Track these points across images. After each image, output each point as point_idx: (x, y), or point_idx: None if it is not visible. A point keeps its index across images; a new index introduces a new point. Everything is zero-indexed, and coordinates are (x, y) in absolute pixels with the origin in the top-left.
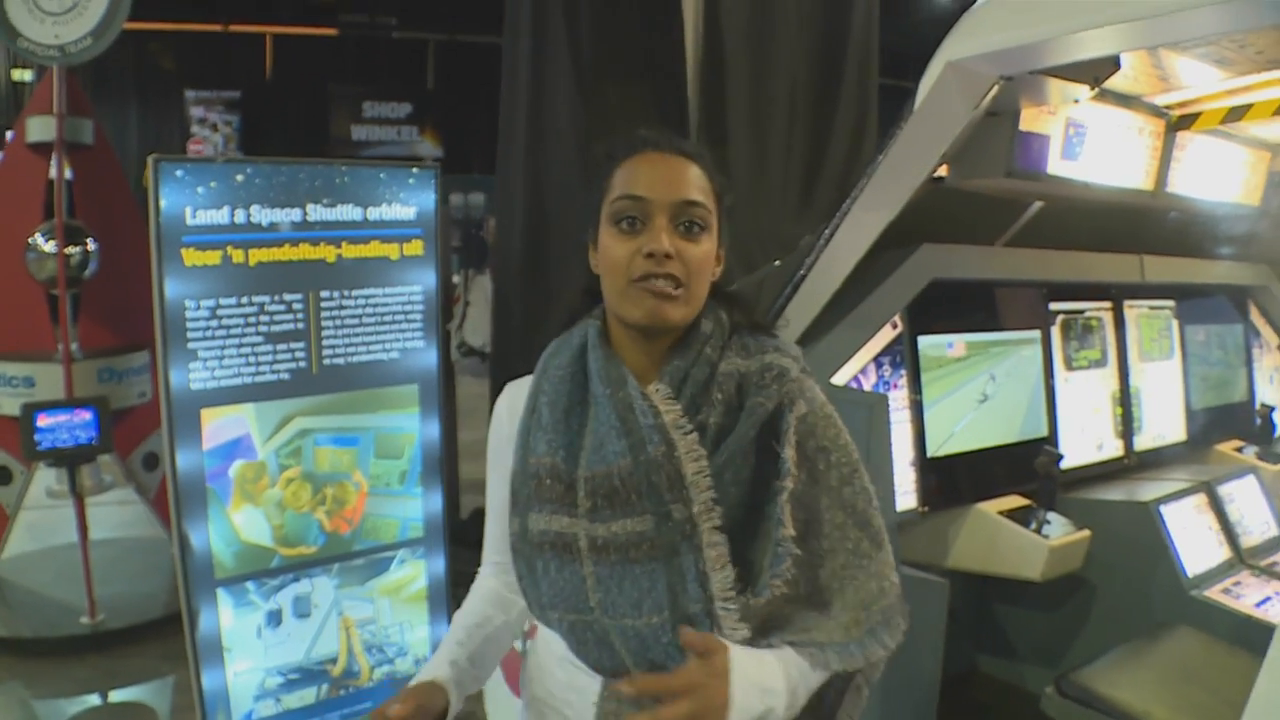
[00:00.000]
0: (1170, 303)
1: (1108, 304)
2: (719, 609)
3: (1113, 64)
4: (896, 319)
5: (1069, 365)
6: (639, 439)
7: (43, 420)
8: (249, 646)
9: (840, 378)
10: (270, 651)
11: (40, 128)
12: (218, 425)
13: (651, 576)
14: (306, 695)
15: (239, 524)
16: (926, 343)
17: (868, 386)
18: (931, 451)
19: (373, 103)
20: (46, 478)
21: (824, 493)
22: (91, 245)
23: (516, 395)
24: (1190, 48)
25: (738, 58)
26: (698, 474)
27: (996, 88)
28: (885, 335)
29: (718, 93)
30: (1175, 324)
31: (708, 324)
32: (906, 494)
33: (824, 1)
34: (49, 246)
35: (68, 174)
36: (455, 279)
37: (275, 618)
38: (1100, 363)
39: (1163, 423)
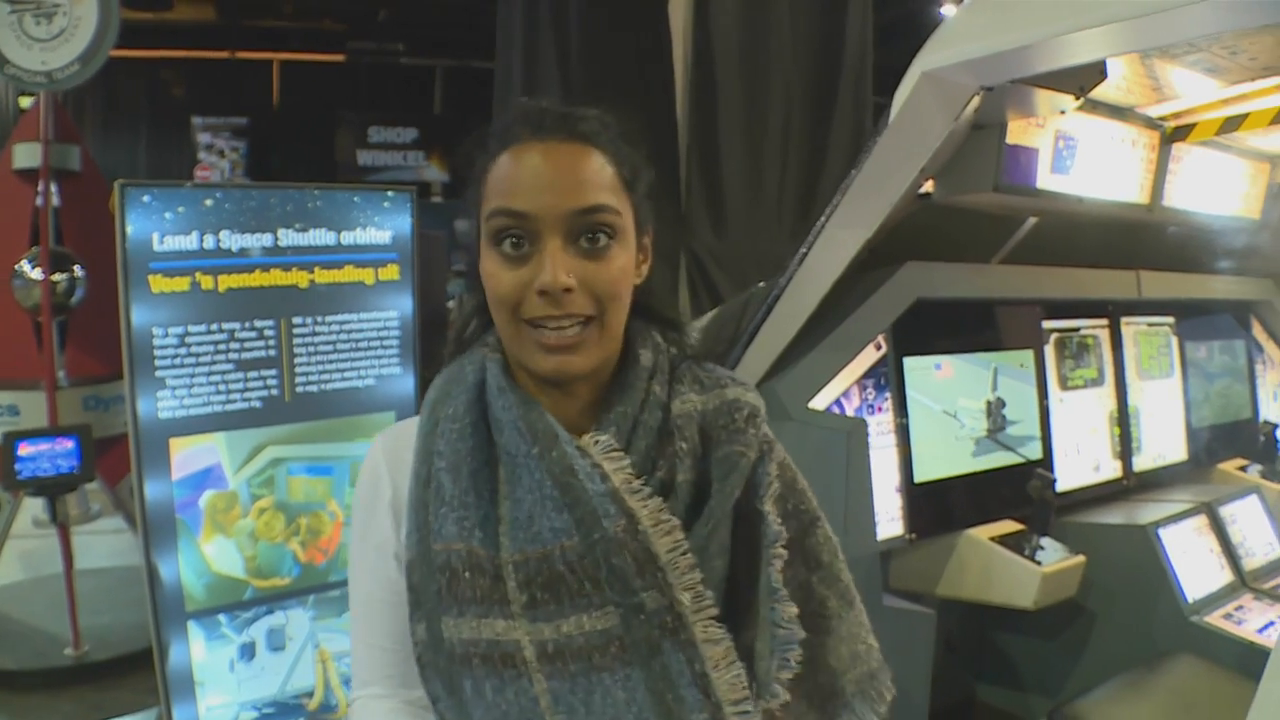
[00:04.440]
0: (1169, 319)
1: (1104, 321)
2: (731, 717)
3: (1099, 73)
4: (881, 340)
5: (1064, 385)
6: (589, 511)
7: (24, 449)
8: (221, 680)
9: (820, 402)
10: (244, 685)
11: (26, 154)
12: (187, 455)
13: (628, 686)
14: None
15: (210, 555)
16: (913, 364)
17: (850, 410)
18: (919, 477)
19: (379, 128)
20: (35, 507)
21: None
22: (79, 272)
23: (397, 450)
24: (1180, 55)
25: (729, 77)
26: (673, 550)
27: (977, 99)
28: (869, 357)
29: (709, 112)
30: (1175, 341)
31: (646, 353)
32: (892, 521)
33: (818, 19)
34: (35, 274)
35: (55, 200)
36: (450, 304)
37: (249, 651)
38: (1097, 381)
39: (1163, 442)
